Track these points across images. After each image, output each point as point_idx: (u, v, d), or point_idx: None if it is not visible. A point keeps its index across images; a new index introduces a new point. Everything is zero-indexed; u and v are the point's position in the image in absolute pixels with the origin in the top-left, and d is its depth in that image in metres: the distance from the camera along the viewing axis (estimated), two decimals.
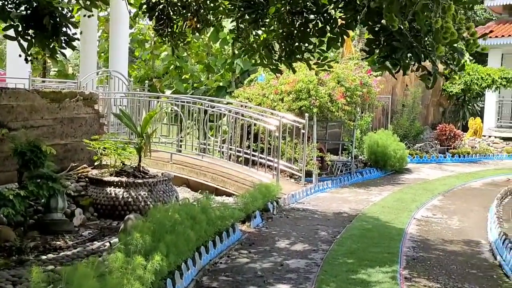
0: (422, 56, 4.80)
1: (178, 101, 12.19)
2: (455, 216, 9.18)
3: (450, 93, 20.96)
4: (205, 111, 11.53)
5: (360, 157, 14.32)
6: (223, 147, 11.71)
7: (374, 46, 5.22)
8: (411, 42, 4.83)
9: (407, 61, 4.93)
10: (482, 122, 20.59)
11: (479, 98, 22.41)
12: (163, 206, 6.13)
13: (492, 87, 19.77)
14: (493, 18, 25.73)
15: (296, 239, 7.26)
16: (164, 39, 7.07)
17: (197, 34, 8.11)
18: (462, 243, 7.42)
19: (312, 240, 7.22)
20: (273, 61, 5.70)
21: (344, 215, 8.85)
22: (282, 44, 5.50)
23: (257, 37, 6.15)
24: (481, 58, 24.48)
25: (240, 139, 11.51)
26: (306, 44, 5.44)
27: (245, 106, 12.15)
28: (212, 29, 18.29)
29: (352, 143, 13.37)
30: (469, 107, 21.81)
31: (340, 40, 5.41)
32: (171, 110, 13.19)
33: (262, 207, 8.46)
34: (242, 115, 11.31)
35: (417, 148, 17.41)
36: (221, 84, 20.04)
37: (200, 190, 10.16)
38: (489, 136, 20.25)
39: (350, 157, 13.49)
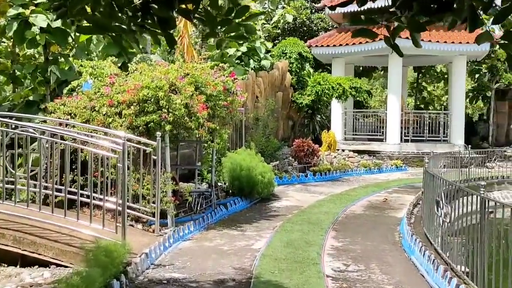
0: None
1: None
2: (373, 264, 6.79)
3: (300, 105, 19.33)
4: (6, 134, 7.73)
5: (219, 184, 11.50)
6: (34, 185, 7.97)
7: None
8: None
9: None
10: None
11: (322, 110, 21.26)
12: None
13: (343, 97, 18.48)
14: (329, 28, 25.10)
15: None
16: None
17: None
18: None
19: None
20: (128, 23, 2.56)
21: (231, 285, 5.87)
22: None
23: None
24: (324, 67, 23.56)
25: (60, 173, 7.91)
26: None
27: (67, 125, 8.57)
28: (15, 26, 14.06)
29: (212, 168, 10.52)
30: (318, 119, 20.47)
31: None
32: None
33: None
34: (62, 138, 7.77)
35: (273, 167, 15.17)
36: (31, 98, 15.71)
37: None
38: (343, 150, 18.97)
39: (209, 186, 10.64)
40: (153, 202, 7.83)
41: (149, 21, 2.70)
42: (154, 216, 7.84)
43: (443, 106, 27.57)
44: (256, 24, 21.06)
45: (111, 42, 13.48)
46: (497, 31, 33.38)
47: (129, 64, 10.55)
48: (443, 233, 6.87)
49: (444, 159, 13.81)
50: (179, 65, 9.19)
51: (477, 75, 25.22)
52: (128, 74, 9.44)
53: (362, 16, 2.44)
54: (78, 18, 2.80)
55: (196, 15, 2.63)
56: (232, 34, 2.70)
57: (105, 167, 7.51)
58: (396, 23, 2.50)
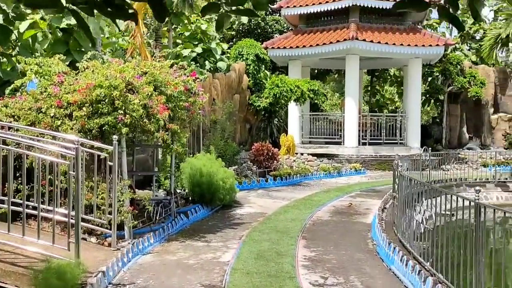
0: None
1: None
2: (352, 276, 6.31)
3: (257, 108, 18.82)
4: None
5: (178, 191, 10.81)
6: None
7: None
8: None
9: None
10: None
11: (279, 113, 20.85)
12: None
13: (301, 100, 18.06)
14: (284, 30, 24.77)
15: None
16: None
17: None
18: None
19: None
20: None
21: None
22: None
23: None
24: (280, 70, 23.18)
25: (2, 182, 7.04)
26: None
27: (9, 128, 7.70)
28: None
29: (171, 175, 9.83)
30: (275, 123, 20.03)
31: None
32: None
33: None
34: (4, 142, 6.92)
35: (233, 171, 14.56)
36: None
37: None
38: (302, 154, 18.59)
39: (167, 193, 9.93)
40: (109, 213, 7.09)
41: None
42: (109, 228, 7.10)
43: (397, 109, 27.67)
44: (210, 25, 20.36)
45: (58, 39, 12.49)
46: (448, 35, 34.09)
47: (78, 64, 9.68)
48: (423, 240, 6.47)
49: (407, 162, 13.60)
50: (136, 63, 8.48)
51: (429, 78, 25.43)
52: (79, 72, 8.64)
53: None
54: None
55: None
56: (238, 7, 2.11)
57: (54, 174, 6.71)
58: None
